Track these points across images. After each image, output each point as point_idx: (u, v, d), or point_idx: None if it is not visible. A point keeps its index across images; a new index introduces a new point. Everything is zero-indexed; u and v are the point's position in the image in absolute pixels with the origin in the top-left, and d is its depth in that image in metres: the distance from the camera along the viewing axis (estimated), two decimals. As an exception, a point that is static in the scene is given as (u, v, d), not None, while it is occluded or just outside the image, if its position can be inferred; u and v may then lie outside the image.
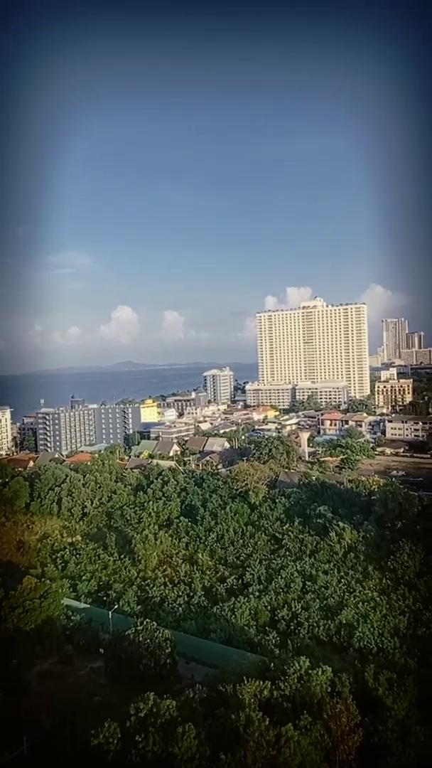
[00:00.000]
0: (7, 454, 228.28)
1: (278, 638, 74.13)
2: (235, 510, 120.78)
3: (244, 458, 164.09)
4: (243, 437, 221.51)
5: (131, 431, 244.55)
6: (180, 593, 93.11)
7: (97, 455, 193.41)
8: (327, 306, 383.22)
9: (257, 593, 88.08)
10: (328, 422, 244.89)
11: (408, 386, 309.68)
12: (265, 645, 71.17)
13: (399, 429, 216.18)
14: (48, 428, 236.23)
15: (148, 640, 60.73)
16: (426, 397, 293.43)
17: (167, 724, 39.43)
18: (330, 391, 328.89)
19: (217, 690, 46.23)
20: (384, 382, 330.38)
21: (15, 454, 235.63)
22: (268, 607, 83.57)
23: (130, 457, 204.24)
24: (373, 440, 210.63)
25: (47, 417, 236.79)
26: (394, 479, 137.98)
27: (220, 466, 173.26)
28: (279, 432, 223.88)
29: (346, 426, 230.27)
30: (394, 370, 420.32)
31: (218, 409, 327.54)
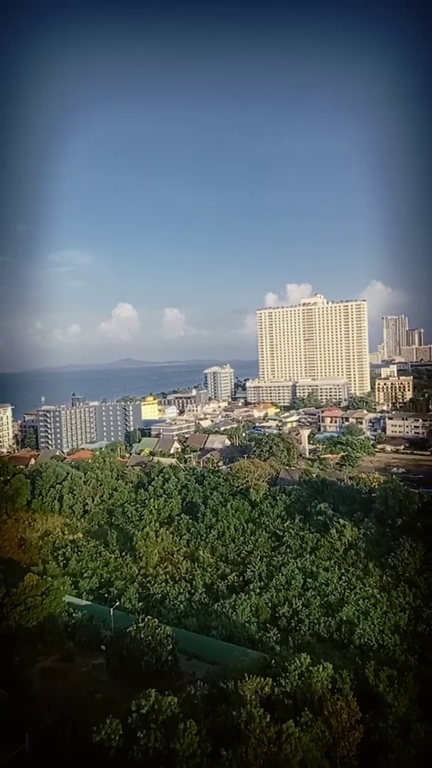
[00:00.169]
0: (8, 452, 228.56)
1: (279, 635, 74.32)
2: (236, 507, 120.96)
3: (245, 455, 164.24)
4: (244, 434, 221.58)
5: (132, 429, 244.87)
6: (181, 590, 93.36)
7: (98, 453, 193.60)
8: (327, 303, 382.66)
9: (258, 590, 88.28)
10: (329, 419, 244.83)
11: (408, 383, 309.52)
12: (266, 642, 71.43)
13: (399, 426, 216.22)
14: (49, 426, 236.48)
15: (150, 637, 60.88)
16: (426, 395, 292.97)
17: (169, 720, 39.57)
18: (330, 388, 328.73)
19: (218, 687, 46.38)
20: (384, 379, 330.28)
21: (16, 451, 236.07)
22: (269, 604, 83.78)
23: (131, 454, 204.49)
24: (373, 437, 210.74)
25: (48, 414, 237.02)
26: (394, 476, 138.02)
27: (220, 464, 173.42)
28: (279, 429, 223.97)
29: (346, 423, 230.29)
30: (394, 367, 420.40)
31: (219, 407, 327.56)
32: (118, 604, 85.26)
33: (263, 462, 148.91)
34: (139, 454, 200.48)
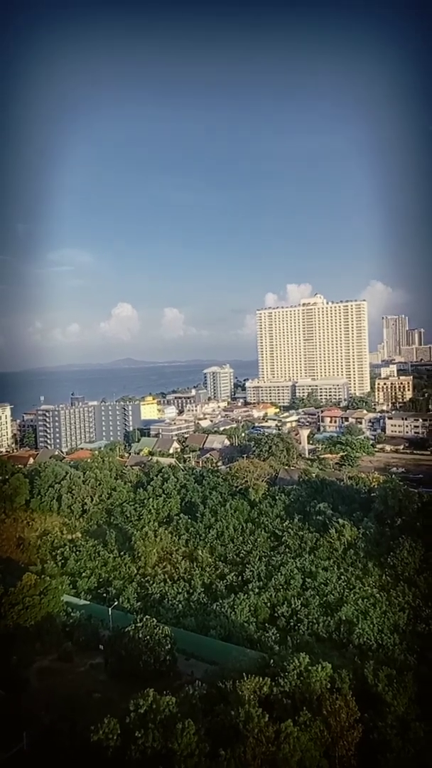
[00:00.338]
0: (7, 451, 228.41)
1: (278, 635, 74.17)
2: (235, 507, 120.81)
3: (244, 455, 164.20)
4: (243, 434, 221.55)
5: (131, 428, 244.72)
6: (180, 590, 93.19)
7: (97, 452, 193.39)
8: (327, 303, 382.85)
9: (257, 590, 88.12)
10: (328, 419, 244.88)
11: (408, 383, 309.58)
12: (265, 641, 71.25)
13: (399, 426, 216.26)
14: (48, 425, 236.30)
15: (148, 637, 60.74)
16: (426, 394, 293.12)
17: (167, 720, 39.43)
18: (330, 388, 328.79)
19: (216, 686, 46.24)
20: (384, 379, 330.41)
21: (15, 451, 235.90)
22: (268, 604, 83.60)
23: (130, 454, 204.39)
24: (373, 437, 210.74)
25: (47, 414, 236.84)
26: (393, 476, 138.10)
27: (220, 464, 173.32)
28: (279, 429, 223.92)
29: (346, 423, 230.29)
30: (394, 367, 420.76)
31: (218, 407, 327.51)
32: (116, 603, 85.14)
33: (262, 462, 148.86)
34: (138, 453, 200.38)
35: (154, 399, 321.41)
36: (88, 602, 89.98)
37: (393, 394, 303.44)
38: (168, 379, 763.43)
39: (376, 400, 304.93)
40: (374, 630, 73.10)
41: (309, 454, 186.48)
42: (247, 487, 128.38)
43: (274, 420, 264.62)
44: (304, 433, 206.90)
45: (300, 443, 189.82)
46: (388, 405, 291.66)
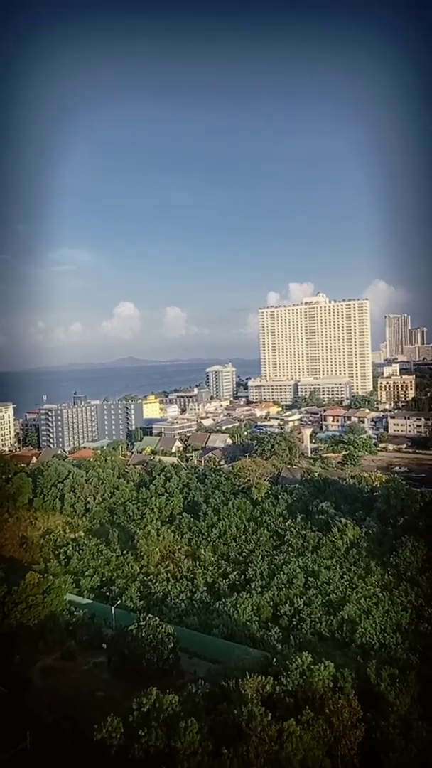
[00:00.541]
0: (10, 451, 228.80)
1: (280, 634, 74.28)
2: (238, 506, 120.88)
3: (247, 454, 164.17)
4: (245, 433, 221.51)
5: (134, 427, 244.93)
6: (182, 589, 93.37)
7: (99, 451, 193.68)
8: (329, 302, 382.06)
9: (260, 589, 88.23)
10: (331, 418, 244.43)
11: (411, 382, 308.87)
12: (268, 640, 71.34)
13: (401, 425, 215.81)
14: (51, 424, 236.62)
15: (151, 636, 60.83)
16: (429, 393, 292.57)
17: (170, 719, 39.50)
18: (332, 387, 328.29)
19: (219, 685, 46.31)
20: (387, 378, 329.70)
21: (18, 450, 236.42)
22: (271, 603, 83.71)
23: (132, 453, 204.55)
24: (375, 436, 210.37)
25: (50, 413, 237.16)
26: (396, 475, 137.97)
27: (222, 462, 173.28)
28: (281, 428, 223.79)
29: (348, 422, 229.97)
30: (396, 366, 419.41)
31: (220, 405, 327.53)
32: (119, 602, 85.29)
33: (265, 461, 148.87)
34: (140, 452, 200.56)
35: (156, 398, 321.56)
36: (91, 601, 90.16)
37: (395, 393, 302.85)
38: (170, 378, 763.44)
39: (379, 399, 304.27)
40: (377, 629, 73.15)
41: (311, 453, 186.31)
42: (249, 486, 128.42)
43: (277, 419, 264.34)
44: (307, 432, 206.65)
45: (302, 442, 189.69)
46: (390, 404, 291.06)
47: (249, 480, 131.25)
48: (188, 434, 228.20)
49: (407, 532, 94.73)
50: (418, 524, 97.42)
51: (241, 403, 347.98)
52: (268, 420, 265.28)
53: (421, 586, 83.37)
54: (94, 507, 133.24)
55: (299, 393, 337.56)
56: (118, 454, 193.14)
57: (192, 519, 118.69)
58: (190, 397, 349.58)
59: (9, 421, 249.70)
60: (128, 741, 38.63)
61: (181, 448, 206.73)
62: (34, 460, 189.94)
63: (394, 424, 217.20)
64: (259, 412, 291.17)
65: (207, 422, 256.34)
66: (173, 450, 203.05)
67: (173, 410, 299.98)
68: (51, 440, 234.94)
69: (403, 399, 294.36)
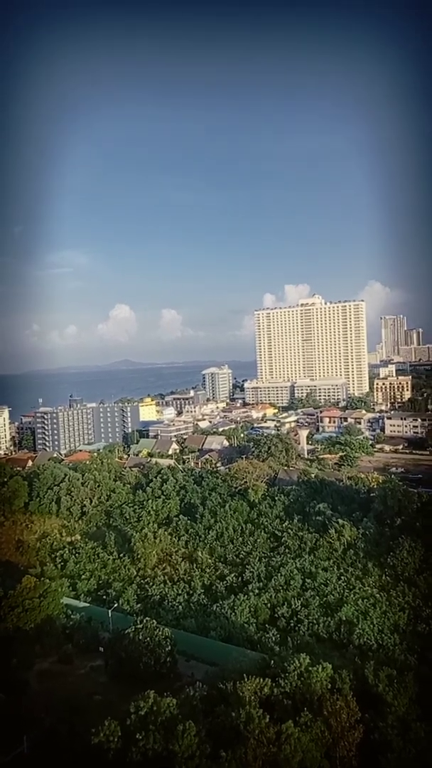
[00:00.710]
0: (5, 454, 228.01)
1: (278, 635, 74.19)
2: (235, 508, 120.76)
3: (243, 456, 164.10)
4: (242, 435, 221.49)
5: (130, 430, 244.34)
6: (180, 591, 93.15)
7: (95, 454, 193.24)
8: (325, 303, 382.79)
9: (257, 591, 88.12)
10: (327, 419, 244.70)
11: (407, 383, 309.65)
12: (265, 642, 71.23)
13: (398, 426, 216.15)
14: (46, 427, 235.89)
15: (148, 639, 60.69)
16: (425, 394, 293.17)
17: (167, 722, 39.35)
18: (329, 389, 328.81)
19: (217, 687, 46.19)
20: (383, 379, 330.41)
21: (13, 453, 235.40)
22: (268, 605, 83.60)
23: (129, 455, 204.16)
24: (372, 437, 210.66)
25: (46, 416, 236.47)
26: (393, 476, 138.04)
27: (219, 464, 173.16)
28: (278, 430, 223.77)
29: (345, 423, 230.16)
30: (392, 367, 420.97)
31: (217, 407, 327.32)
32: (116, 605, 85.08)
33: (262, 463, 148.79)
34: (137, 455, 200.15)
35: (152, 400, 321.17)
36: (88, 604, 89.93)
37: (392, 394, 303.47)
38: (166, 381, 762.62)
39: (375, 400, 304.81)
40: (374, 630, 73.13)
41: (308, 454, 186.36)
42: (246, 488, 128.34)
43: (273, 420, 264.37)
44: (303, 433, 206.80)
45: (299, 444, 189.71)
46: (386, 405, 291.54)
47: (246, 482, 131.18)
48: (185, 436, 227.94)
49: (404, 532, 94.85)
50: (415, 525, 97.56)
51: (238, 405, 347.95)
52: (265, 422, 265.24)
53: (419, 587, 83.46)
54: (90, 510, 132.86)
55: (295, 394, 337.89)
56: (115, 457, 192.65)
57: (189, 521, 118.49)
58: (187, 399, 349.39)
59: (4, 425, 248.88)
60: (126, 744, 38.46)
61: (177, 451, 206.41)
62: (30, 463, 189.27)
63: (391, 425, 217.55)
64: (255, 414, 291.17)
65: (203, 424, 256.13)
66: (170, 452, 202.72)
67: (169, 412, 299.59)
68: (47, 443, 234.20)
69: (399, 400, 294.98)
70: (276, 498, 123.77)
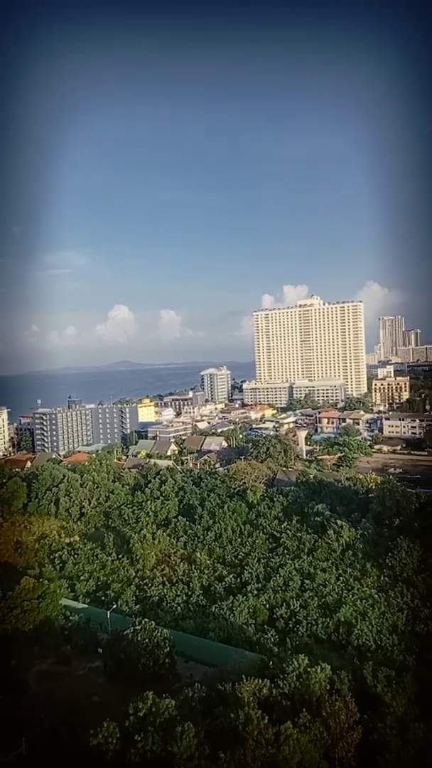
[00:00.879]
0: (4, 455, 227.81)
1: (277, 636, 74.25)
2: (233, 509, 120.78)
3: (242, 457, 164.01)
4: (240, 436, 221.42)
5: (129, 431, 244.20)
6: (178, 592, 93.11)
7: (94, 455, 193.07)
8: (324, 304, 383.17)
9: (256, 592, 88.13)
10: (326, 420, 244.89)
11: (405, 384, 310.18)
12: (264, 643, 71.27)
13: (396, 426, 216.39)
14: (45, 428, 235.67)
15: (147, 640, 60.65)
16: (423, 395, 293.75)
17: (166, 723, 39.37)
18: (327, 389, 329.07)
19: (216, 689, 46.21)
20: (381, 379, 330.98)
21: (12, 454, 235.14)
22: (267, 606, 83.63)
23: (127, 456, 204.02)
24: (370, 438, 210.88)
25: (44, 417, 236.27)
26: (391, 477, 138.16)
27: (217, 465, 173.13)
28: (276, 430, 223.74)
29: (343, 424, 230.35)
30: (391, 368, 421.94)
31: (216, 408, 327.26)
32: (114, 606, 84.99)
33: (260, 463, 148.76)
34: (135, 456, 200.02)
35: (151, 401, 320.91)
36: (87, 605, 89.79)
37: (390, 394, 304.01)
38: (165, 382, 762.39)
39: (373, 400, 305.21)
40: (373, 631, 73.22)
41: (306, 455, 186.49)
42: (245, 489, 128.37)
43: (272, 421, 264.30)
44: (302, 434, 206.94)
45: (297, 444, 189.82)
46: (385, 406, 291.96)
47: (244, 483, 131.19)
48: (183, 437, 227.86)
49: (403, 533, 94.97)
50: (414, 525, 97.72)
51: (236, 405, 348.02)
52: (263, 422, 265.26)
53: (417, 588, 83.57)
54: (89, 511, 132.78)
55: (294, 395, 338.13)
56: (113, 458, 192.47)
57: (187, 522, 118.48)
58: (185, 400, 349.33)
59: (3, 426, 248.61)
60: (125, 746, 38.48)
61: (176, 452, 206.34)
62: (29, 464, 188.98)
63: (389, 426, 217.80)
64: (254, 415, 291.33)
65: (202, 425, 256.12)
66: (168, 453, 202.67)
67: (168, 413, 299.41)
68: (45, 444, 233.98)
69: (397, 400, 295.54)
70: (274, 499, 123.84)
